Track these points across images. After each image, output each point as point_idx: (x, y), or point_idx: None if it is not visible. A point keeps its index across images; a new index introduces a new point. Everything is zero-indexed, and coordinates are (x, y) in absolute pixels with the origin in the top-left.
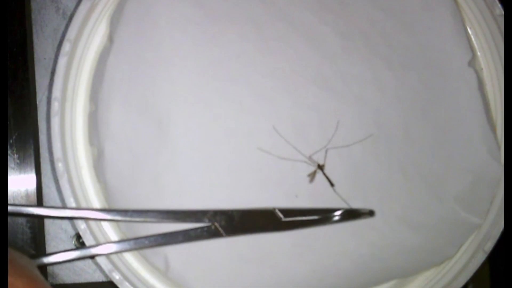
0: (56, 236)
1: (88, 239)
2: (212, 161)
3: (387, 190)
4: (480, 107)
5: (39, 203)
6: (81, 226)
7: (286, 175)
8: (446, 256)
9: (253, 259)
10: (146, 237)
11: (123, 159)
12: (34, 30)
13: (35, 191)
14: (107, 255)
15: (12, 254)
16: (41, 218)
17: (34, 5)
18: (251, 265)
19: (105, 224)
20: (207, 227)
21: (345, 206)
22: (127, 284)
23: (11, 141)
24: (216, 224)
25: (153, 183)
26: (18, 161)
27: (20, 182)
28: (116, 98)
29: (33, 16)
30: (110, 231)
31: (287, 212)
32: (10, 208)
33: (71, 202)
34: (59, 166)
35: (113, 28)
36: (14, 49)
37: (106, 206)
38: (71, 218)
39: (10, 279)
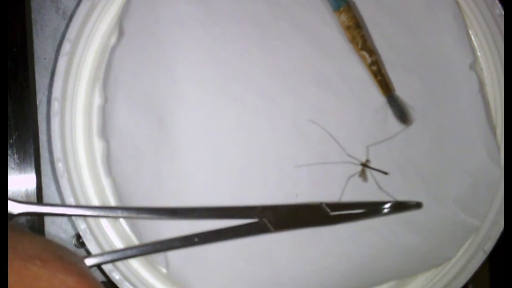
0: (56, 236)
1: (88, 239)
2: (212, 159)
3: (387, 191)
4: (481, 110)
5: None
6: (81, 226)
7: (286, 174)
8: (445, 258)
9: (253, 259)
10: (196, 235)
11: (126, 154)
12: (34, 30)
13: (35, 191)
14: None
15: (63, 251)
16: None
17: (34, 5)
18: (251, 265)
19: (104, 224)
20: (256, 223)
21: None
22: (127, 284)
23: (11, 141)
24: (265, 219)
25: (154, 180)
26: (18, 161)
27: (20, 182)
28: (121, 93)
29: (33, 16)
30: (110, 230)
31: (333, 206)
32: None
33: (71, 202)
34: (59, 166)
35: (121, 22)
36: (14, 49)
37: (110, 204)
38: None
39: (61, 276)
